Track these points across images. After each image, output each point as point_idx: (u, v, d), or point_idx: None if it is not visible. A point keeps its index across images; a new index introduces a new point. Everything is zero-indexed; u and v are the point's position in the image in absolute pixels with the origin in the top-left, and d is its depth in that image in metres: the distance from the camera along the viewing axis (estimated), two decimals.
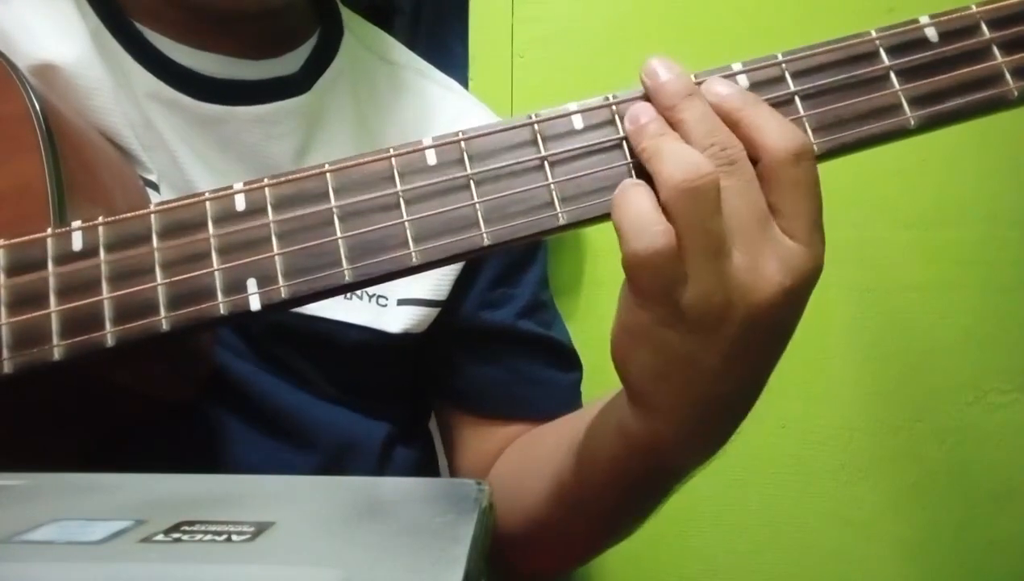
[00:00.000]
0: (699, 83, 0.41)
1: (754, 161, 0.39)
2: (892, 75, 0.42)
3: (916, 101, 0.42)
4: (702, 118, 0.39)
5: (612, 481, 0.48)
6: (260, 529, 0.27)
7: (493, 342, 0.63)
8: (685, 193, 0.37)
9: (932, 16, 0.43)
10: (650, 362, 0.40)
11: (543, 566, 0.60)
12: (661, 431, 0.43)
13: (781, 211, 0.38)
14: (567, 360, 0.66)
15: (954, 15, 0.43)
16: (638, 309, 0.39)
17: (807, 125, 0.42)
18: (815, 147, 0.41)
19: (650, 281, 0.38)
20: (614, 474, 0.47)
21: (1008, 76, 0.43)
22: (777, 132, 0.38)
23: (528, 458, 0.59)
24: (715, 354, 0.39)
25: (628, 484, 0.47)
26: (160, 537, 0.26)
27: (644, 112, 0.40)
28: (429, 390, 0.66)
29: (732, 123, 0.39)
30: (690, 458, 0.46)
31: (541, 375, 0.64)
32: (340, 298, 0.55)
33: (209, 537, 0.26)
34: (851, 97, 0.42)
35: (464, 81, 0.86)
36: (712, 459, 0.47)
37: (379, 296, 0.58)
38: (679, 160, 0.38)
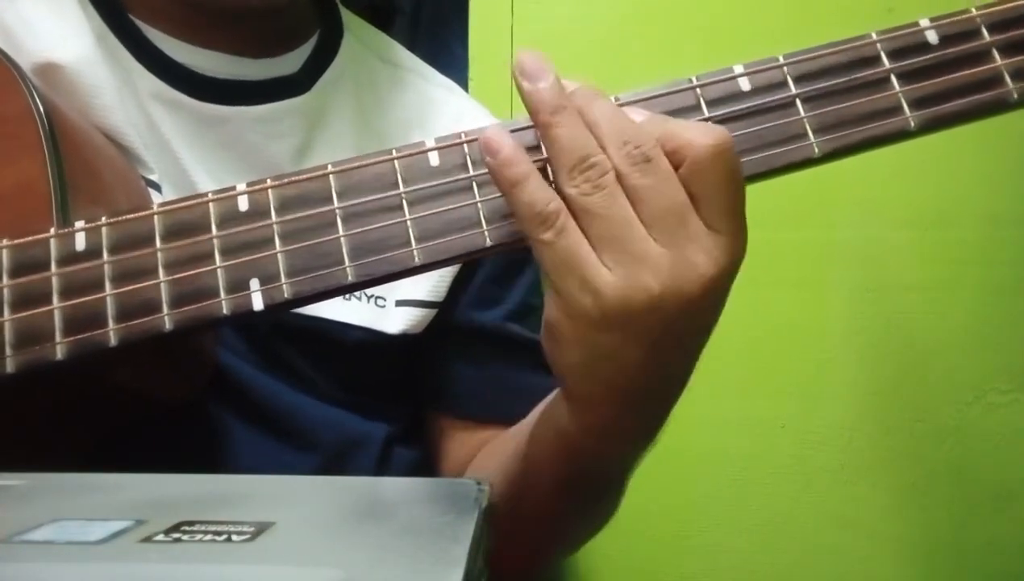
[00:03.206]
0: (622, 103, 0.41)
1: (677, 166, 0.38)
2: (893, 77, 0.43)
3: (917, 103, 0.42)
4: (613, 115, 0.39)
5: (551, 481, 0.48)
6: (260, 529, 0.27)
7: (480, 343, 0.62)
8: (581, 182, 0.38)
9: (933, 19, 0.43)
10: (575, 356, 0.40)
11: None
12: (589, 424, 0.43)
13: (702, 202, 0.38)
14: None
15: (954, 18, 0.43)
16: (555, 307, 0.40)
17: (808, 127, 0.42)
18: (815, 148, 0.41)
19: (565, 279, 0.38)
20: (553, 473, 0.48)
21: (1008, 78, 0.43)
22: (696, 129, 0.39)
23: (487, 463, 0.59)
24: (638, 348, 0.39)
25: (566, 484, 0.48)
26: (160, 537, 0.26)
27: (543, 76, 0.40)
28: (418, 392, 0.66)
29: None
30: (620, 452, 0.46)
31: (524, 380, 0.62)
32: (339, 299, 0.55)
33: (209, 537, 0.26)
34: (852, 99, 0.42)
35: (464, 82, 0.86)
36: (642, 456, 0.48)
37: (377, 297, 0.58)
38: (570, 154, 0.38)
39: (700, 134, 0.38)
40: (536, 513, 0.50)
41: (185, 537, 0.26)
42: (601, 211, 0.38)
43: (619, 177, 0.38)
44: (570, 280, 0.38)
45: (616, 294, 0.37)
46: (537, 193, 0.38)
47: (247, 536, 0.26)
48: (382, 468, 0.59)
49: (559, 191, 0.39)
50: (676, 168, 0.38)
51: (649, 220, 0.37)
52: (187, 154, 0.55)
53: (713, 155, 0.38)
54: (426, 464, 0.65)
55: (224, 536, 0.26)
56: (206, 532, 0.26)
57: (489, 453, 0.60)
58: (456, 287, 0.61)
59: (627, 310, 0.38)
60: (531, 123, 0.40)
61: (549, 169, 0.40)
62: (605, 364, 0.40)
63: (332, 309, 0.56)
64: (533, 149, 0.40)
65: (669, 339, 0.39)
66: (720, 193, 0.38)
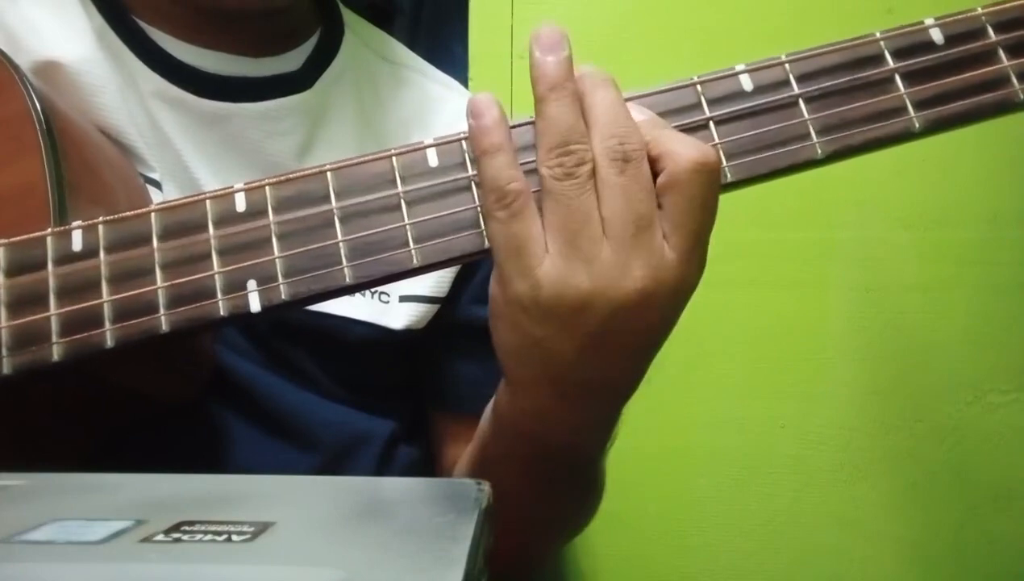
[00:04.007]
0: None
1: (657, 173, 0.38)
2: (897, 77, 0.42)
3: (921, 104, 0.42)
4: (612, 106, 0.39)
5: (502, 468, 0.48)
6: (260, 529, 0.27)
7: (481, 339, 0.62)
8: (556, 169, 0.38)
9: (937, 18, 0.43)
10: (509, 338, 0.41)
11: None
12: (523, 408, 0.43)
13: (668, 216, 0.38)
14: None
15: (960, 17, 0.43)
16: (496, 284, 0.40)
17: (811, 128, 0.41)
18: (818, 149, 0.41)
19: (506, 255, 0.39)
20: (500, 459, 0.48)
21: (1014, 79, 0.43)
22: (685, 142, 0.38)
23: (464, 456, 0.59)
24: (569, 343, 0.39)
25: (521, 467, 0.47)
26: (160, 537, 0.26)
27: (555, 47, 0.40)
28: (419, 389, 0.65)
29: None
30: (567, 440, 0.46)
31: None
32: None
33: (209, 537, 0.26)
34: (856, 100, 0.42)
35: (464, 81, 0.86)
36: (599, 450, 0.48)
37: (381, 293, 0.59)
38: (553, 132, 0.38)
39: (685, 147, 0.38)
40: (504, 499, 0.50)
41: (185, 537, 0.26)
42: (565, 200, 0.38)
43: (595, 168, 0.38)
44: (512, 263, 0.38)
45: (550, 287, 0.38)
46: (503, 169, 0.38)
47: (247, 536, 0.26)
48: (385, 466, 0.59)
49: (536, 166, 0.39)
50: (656, 175, 0.38)
51: (608, 218, 0.37)
52: (189, 152, 0.55)
53: (692, 171, 0.37)
54: (429, 462, 0.65)
55: (224, 536, 0.26)
56: (206, 532, 0.26)
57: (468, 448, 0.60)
58: (459, 283, 0.61)
59: (558, 304, 0.38)
60: (531, 119, 0.40)
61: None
62: (537, 351, 0.40)
63: (336, 305, 0.56)
64: (527, 149, 0.40)
65: (606, 340, 0.39)
66: (687, 211, 0.38)
